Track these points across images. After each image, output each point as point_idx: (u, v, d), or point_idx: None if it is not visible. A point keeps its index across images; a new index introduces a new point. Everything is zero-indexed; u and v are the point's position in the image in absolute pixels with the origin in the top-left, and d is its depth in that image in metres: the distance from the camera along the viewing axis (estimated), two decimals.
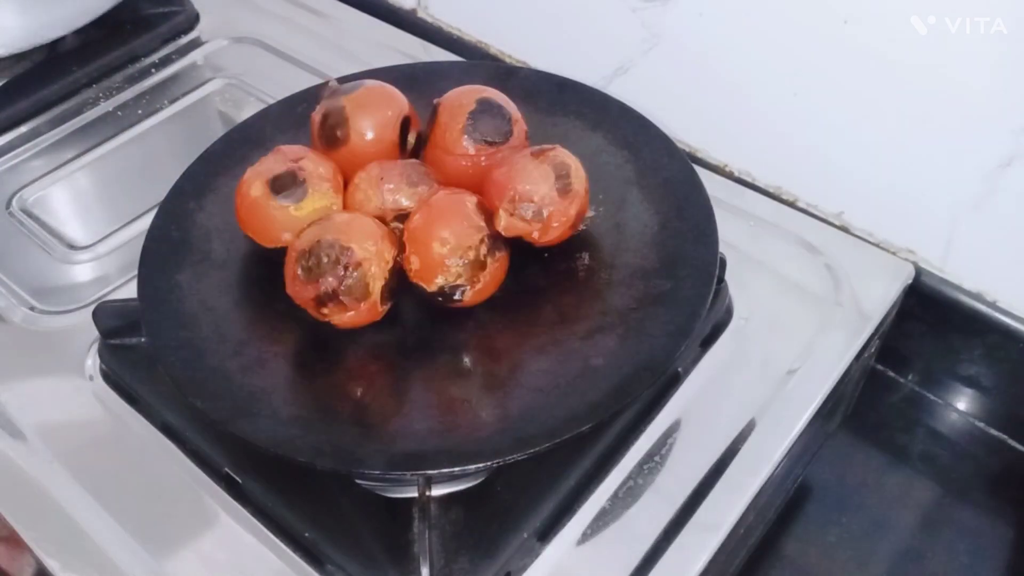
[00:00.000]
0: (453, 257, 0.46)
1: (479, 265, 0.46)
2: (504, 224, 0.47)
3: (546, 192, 0.47)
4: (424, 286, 0.47)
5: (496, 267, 0.47)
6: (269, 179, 0.49)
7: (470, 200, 0.47)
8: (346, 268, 0.45)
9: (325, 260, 0.45)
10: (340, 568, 0.44)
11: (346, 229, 0.46)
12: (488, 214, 0.47)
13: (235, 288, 0.51)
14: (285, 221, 0.49)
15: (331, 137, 0.52)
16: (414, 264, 0.46)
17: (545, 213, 0.47)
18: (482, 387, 0.46)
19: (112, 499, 0.48)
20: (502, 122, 0.51)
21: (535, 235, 0.48)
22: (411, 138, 0.53)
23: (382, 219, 0.49)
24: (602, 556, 0.45)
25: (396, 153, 0.53)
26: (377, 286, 0.46)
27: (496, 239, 0.47)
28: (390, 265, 0.46)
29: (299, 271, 0.46)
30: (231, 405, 0.45)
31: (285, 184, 0.49)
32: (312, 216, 0.48)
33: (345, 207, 0.50)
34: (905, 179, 0.57)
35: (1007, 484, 0.58)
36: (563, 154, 0.49)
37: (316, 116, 0.53)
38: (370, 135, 0.52)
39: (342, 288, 0.45)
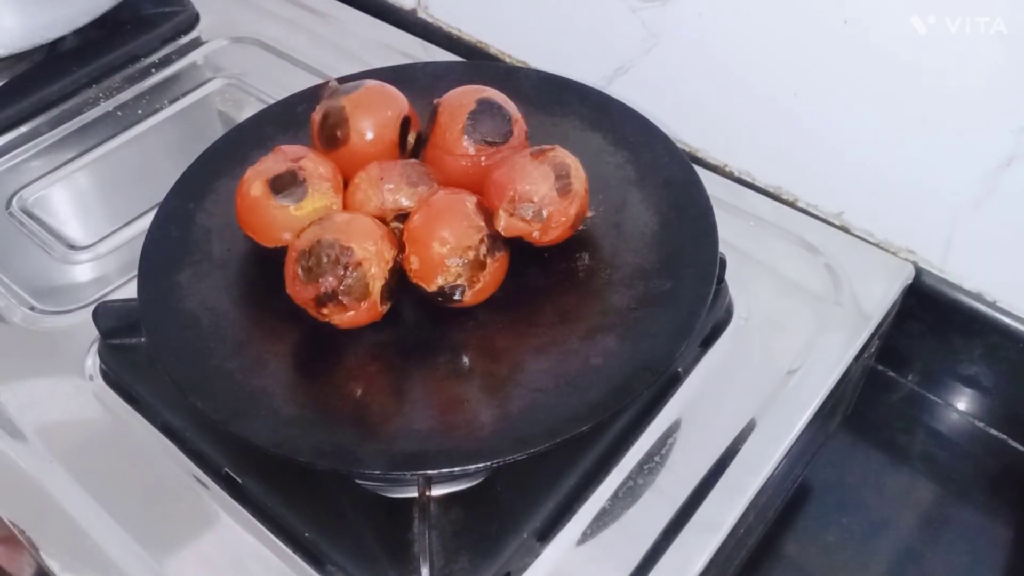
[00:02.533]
0: (453, 257, 0.46)
1: (479, 265, 0.46)
2: (504, 224, 0.47)
3: (546, 192, 0.47)
4: (424, 286, 0.47)
5: (496, 267, 0.47)
6: (269, 179, 0.49)
7: (470, 200, 0.47)
8: (346, 268, 0.45)
9: (325, 260, 0.45)
10: (340, 568, 0.44)
11: (346, 229, 0.46)
12: (488, 214, 0.47)
13: (235, 288, 0.51)
14: (285, 221, 0.49)
15: (331, 137, 0.52)
16: (414, 264, 0.46)
17: (545, 213, 0.47)
18: (482, 387, 0.46)
19: (112, 499, 0.48)
20: (502, 122, 0.51)
21: (535, 235, 0.48)
22: (411, 138, 0.53)
23: (382, 219, 0.49)
24: (602, 556, 0.45)
25: (396, 153, 0.53)
26: (377, 286, 0.46)
27: (496, 239, 0.47)
28: (390, 265, 0.46)
29: (299, 271, 0.45)
30: (231, 405, 0.45)
31: (285, 184, 0.49)
32: (312, 216, 0.48)
33: (345, 207, 0.50)
34: (905, 179, 0.57)
35: (1007, 484, 0.58)
36: (563, 154, 0.49)
37: (316, 116, 0.53)
38: (370, 135, 0.52)
39: (342, 288, 0.45)
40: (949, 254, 0.58)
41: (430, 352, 0.47)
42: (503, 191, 0.48)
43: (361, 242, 0.45)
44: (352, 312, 0.46)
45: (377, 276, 0.46)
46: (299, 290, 0.46)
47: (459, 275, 0.46)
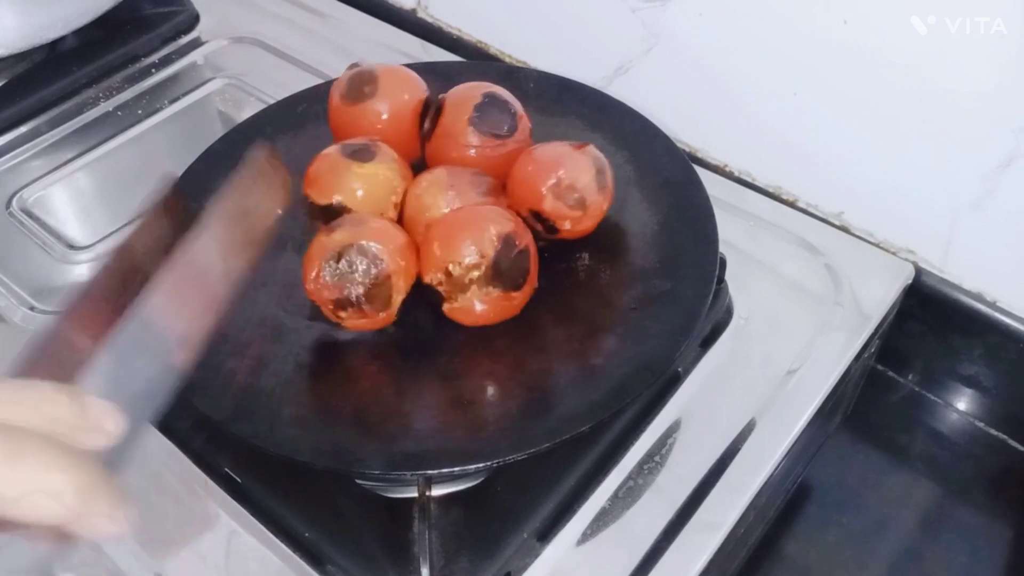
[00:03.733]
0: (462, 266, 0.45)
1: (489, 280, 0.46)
2: (549, 206, 0.47)
3: (588, 182, 0.47)
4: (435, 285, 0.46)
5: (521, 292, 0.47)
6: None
7: (492, 214, 0.46)
8: (376, 279, 0.44)
9: (357, 266, 0.44)
10: (340, 568, 0.44)
11: (382, 239, 0.45)
12: (514, 221, 0.46)
13: (235, 288, 0.51)
14: (348, 177, 0.48)
15: (358, 93, 0.52)
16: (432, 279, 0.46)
17: (588, 202, 0.47)
18: (482, 387, 0.46)
19: None
20: (507, 116, 0.51)
21: (567, 225, 0.48)
22: (427, 123, 0.53)
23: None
24: (602, 556, 0.45)
25: (416, 125, 0.53)
26: (398, 300, 0.46)
27: (498, 270, 0.46)
28: (413, 281, 0.46)
29: (326, 271, 0.45)
30: (231, 405, 0.45)
31: (359, 152, 0.49)
32: (373, 177, 0.48)
33: (405, 208, 0.49)
34: (905, 179, 0.57)
35: (1007, 484, 0.58)
36: (596, 151, 0.49)
37: (342, 78, 0.53)
38: (399, 95, 0.53)
39: (366, 297, 0.45)
40: (949, 254, 0.58)
41: (430, 352, 0.47)
42: (548, 172, 0.47)
43: (395, 256, 0.45)
44: (367, 319, 0.46)
45: (401, 290, 0.46)
46: (320, 288, 0.45)
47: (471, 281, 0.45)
